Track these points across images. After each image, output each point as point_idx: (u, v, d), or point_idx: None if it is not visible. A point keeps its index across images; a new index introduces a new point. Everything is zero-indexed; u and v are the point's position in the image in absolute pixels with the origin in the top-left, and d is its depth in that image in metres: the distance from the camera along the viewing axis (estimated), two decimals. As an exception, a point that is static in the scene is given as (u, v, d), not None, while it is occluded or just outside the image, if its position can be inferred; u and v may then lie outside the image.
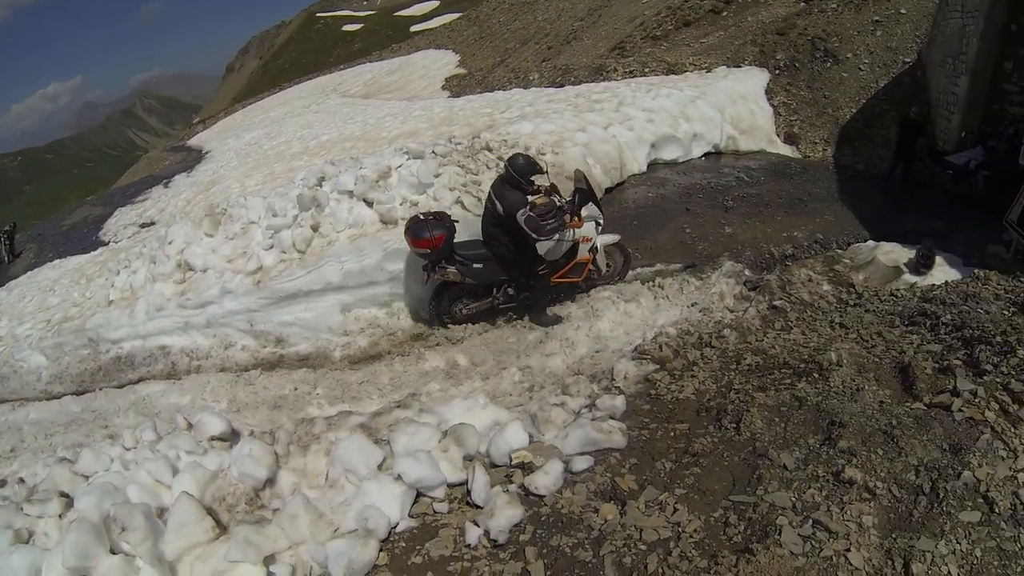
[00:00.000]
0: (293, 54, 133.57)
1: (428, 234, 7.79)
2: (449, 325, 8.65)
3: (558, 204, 8.28)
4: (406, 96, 32.39)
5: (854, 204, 11.30)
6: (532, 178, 7.88)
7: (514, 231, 7.77)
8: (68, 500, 4.84)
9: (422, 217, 8.10)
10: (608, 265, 9.13)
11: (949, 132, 12.84)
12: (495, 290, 8.55)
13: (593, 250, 8.59)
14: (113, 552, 4.08)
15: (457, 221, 8.38)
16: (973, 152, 11.50)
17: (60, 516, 4.70)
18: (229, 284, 9.11)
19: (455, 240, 8.16)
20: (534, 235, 7.62)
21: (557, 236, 8.07)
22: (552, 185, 8.64)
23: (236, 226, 9.98)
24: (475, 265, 8.19)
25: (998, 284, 6.29)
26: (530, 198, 7.96)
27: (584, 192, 8.31)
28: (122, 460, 5.55)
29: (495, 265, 8.24)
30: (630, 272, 9.32)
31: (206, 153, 36.32)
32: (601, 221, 8.67)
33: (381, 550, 4.26)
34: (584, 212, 8.29)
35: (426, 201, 9.14)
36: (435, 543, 4.24)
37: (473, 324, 8.67)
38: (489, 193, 8.07)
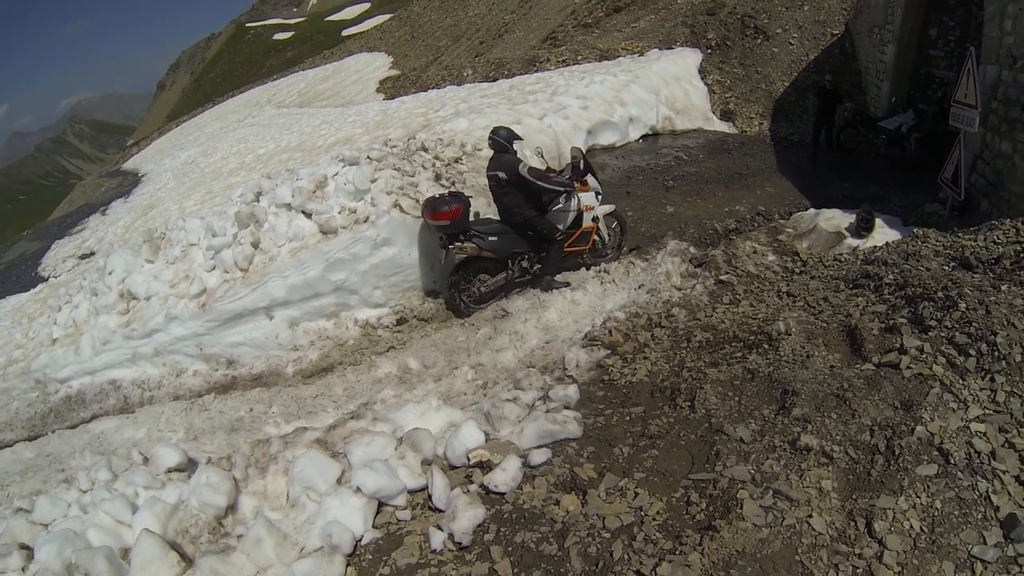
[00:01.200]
0: (225, 67, 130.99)
1: (446, 207, 8.06)
2: (470, 304, 8.80)
3: (560, 175, 8.71)
4: (341, 102, 32.11)
5: (793, 174, 11.51)
6: (514, 145, 8.45)
7: (526, 191, 8.31)
8: (29, 552, 4.63)
9: (438, 195, 8.49)
10: (609, 235, 9.37)
11: (880, 98, 13.17)
12: (510, 263, 8.76)
13: (595, 219, 8.94)
14: (80, 600, 3.93)
15: (471, 196, 8.66)
16: (904, 116, 11.81)
17: (23, 570, 4.49)
18: (174, 310, 8.84)
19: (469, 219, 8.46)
20: (539, 182, 8.11)
21: (563, 201, 8.57)
22: (549, 168, 9.14)
23: (176, 250, 9.70)
24: (491, 238, 8.42)
25: (936, 241, 6.43)
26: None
27: (584, 164, 8.74)
28: (80, 504, 5.33)
29: (511, 236, 8.57)
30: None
31: (142, 176, 35.59)
32: (600, 192, 9.07)
33: (348, 565, 4.16)
34: (587, 182, 8.73)
35: (364, 207, 9.00)
36: (401, 552, 4.15)
37: (491, 301, 8.90)
38: (487, 174, 8.56)
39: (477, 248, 8.34)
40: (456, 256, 8.44)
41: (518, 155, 8.46)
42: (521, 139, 8.64)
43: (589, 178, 8.80)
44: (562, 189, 8.41)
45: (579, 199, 8.64)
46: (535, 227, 8.51)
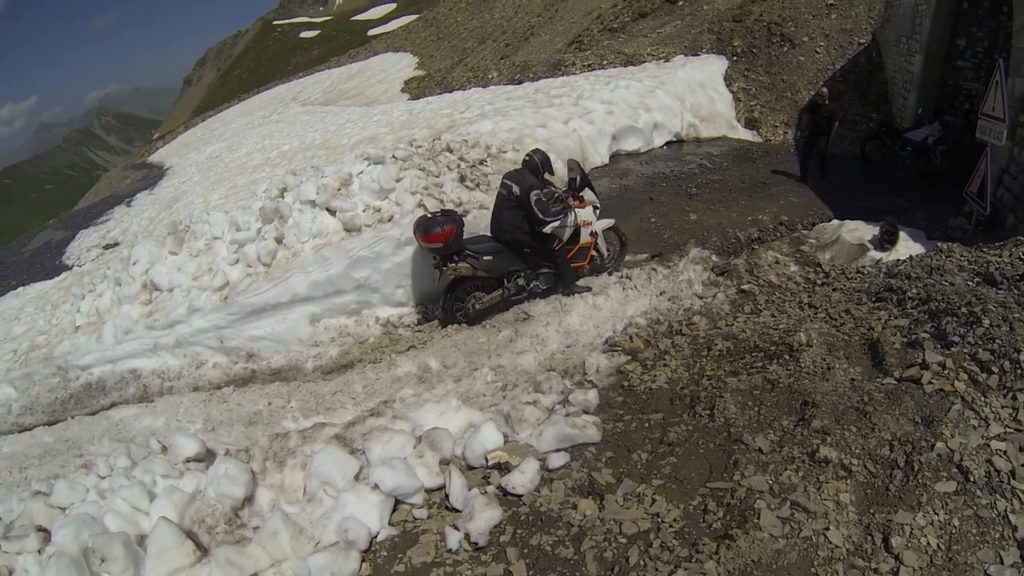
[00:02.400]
0: (251, 64, 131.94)
1: (439, 228, 8.00)
2: (464, 323, 8.76)
3: (558, 193, 8.57)
4: (366, 101, 32.23)
5: (816, 184, 11.41)
6: (544, 173, 8.46)
7: (526, 211, 8.18)
8: (46, 534, 4.69)
9: (430, 215, 8.38)
10: (608, 249, 9.31)
11: (906, 109, 13.03)
12: (505, 281, 8.70)
13: (593, 234, 8.85)
14: (95, 584, 3.97)
15: (466, 215, 8.63)
16: (930, 128, 11.68)
17: (39, 551, 4.55)
18: (196, 302, 8.96)
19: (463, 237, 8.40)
20: (540, 214, 8.02)
21: (561, 218, 8.34)
22: (546, 180, 8.96)
23: (200, 242, 9.82)
24: (485, 257, 8.38)
25: (961, 256, 6.35)
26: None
27: (581, 178, 8.64)
28: (98, 489, 5.40)
29: (506, 255, 8.48)
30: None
31: (167, 169, 35.89)
32: (598, 206, 8.93)
33: (363, 561, 4.20)
34: (584, 197, 8.64)
35: (388, 207, 9.08)
36: (416, 550, 4.18)
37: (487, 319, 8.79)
38: (503, 182, 8.44)
39: (471, 268, 8.30)
40: (449, 276, 8.43)
41: (542, 177, 8.46)
42: (553, 173, 8.65)
43: (586, 193, 8.70)
44: (558, 219, 8.31)
45: (576, 215, 8.51)
46: (532, 243, 8.43)
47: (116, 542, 4.11)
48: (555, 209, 8.18)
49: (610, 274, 9.09)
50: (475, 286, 8.65)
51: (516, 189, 8.17)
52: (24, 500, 5.57)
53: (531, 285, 8.77)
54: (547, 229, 8.40)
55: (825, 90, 12.32)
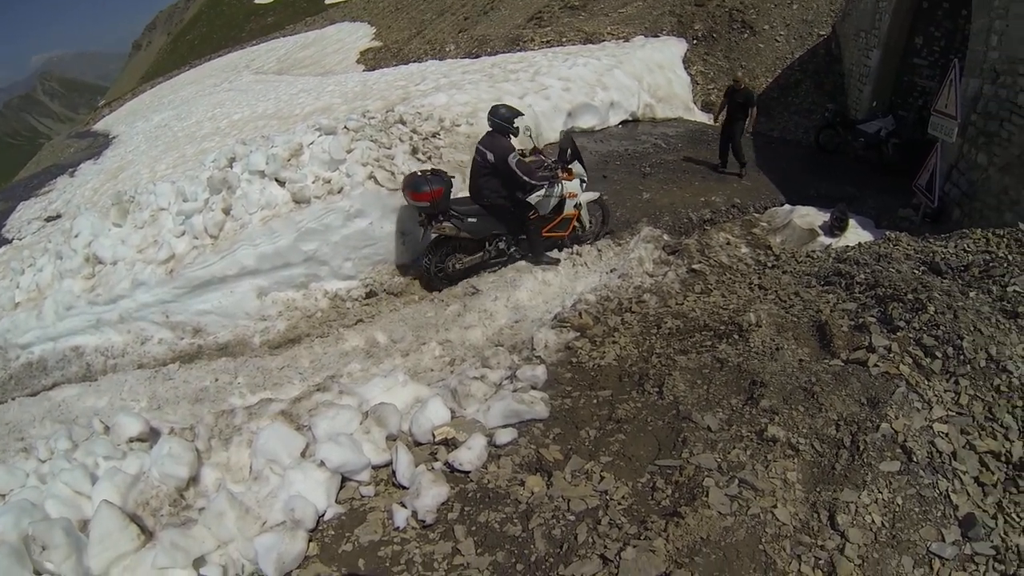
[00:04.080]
0: (203, 29, 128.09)
1: (427, 187, 8.01)
2: (443, 281, 8.78)
3: (547, 162, 8.64)
4: (321, 71, 31.55)
5: (770, 170, 11.56)
6: (515, 124, 8.35)
7: (506, 178, 8.21)
8: None
9: (420, 173, 8.38)
10: (591, 221, 9.35)
11: (861, 102, 13.28)
12: (487, 244, 8.76)
13: (578, 206, 8.90)
14: (37, 573, 3.85)
15: (454, 177, 8.53)
16: (884, 121, 11.95)
17: None
18: (141, 275, 8.67)
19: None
20: (525, 177, 8.05)
21: (547, 187, 8.45)
22: (536, 148, 9.13)
23: (145, 214, 9.50)
24: (469, 219, 8.41)
25: (908, 245, 6.50)
26: (518, 147, 8.54)
27: (572, 150, 8.70)
28: (38, 474, 5.22)
29: (489, 218, 8.51)
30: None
31: (113, 138, 34.78)
32: (585, 179, 9.00)
33: (311, 540, 4.12)
34: (573, 169, 8.66)
35: (339, 178, 8.91)
36: (364, 528, 4.12)
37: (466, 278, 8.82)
38: (477, 147, 8.43)
39: (456, 229, 8.33)
40: (432, 234, 8.45)
41: (516, 132, 8.43)
42: (523, 114, 8.53)
43: (575, 165, 8.75)
44: (545, 184, 8.40)
45: (563, 186, 8.59)
46: (504, 213, 8.50)
47: (57, 528, 3.95)
48: (540, 174, 8.26)
49: (591, 245, 9.15)
50: (456, 247, 8.67)
51: (491, 156, 8.15)
52: (-38, 488, 5.36)
53: (511, 249, 8.90)
54: (532, 198, 8.48)
55: (740, 74, 12.01)
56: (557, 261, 8.77)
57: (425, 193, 7.99)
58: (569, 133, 9.69)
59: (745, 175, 11.28)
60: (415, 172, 8.50)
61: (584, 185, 8.98)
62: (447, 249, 8.64)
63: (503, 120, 8.23)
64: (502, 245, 8.82)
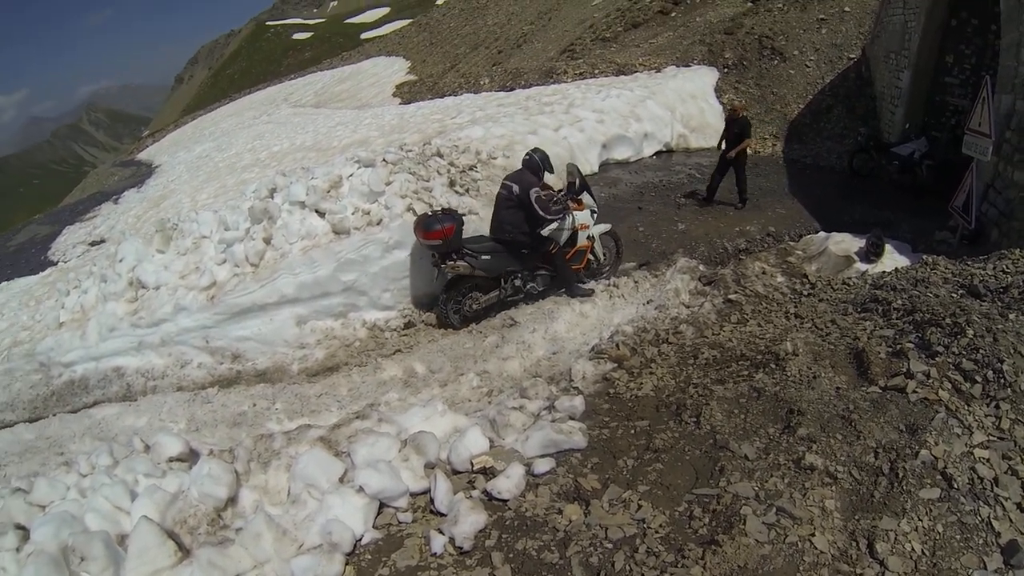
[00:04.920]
0: (243, 64, 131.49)
1: (439, 226, 8.12)
2: (460, 322, 8.83)
3: (556, 195, 8.76)
4: (357, 104, 32.20)
5: (804, 197, 11.51)
6: (544, 175, 8.64)
7: (527, 211, 8.34)
8: (25, 532, 4.60)
9: (431, 212, 8.54)
10: (605, 253, 9.41)
11: (894, 124, 13.18)
12: (503, 282, 8.80)
13: (590, 238, 8.97)
14: (74, 583, 3.91)
15: (465, 214, 8.71)
16: (917, 143, 11.83)
17: (17, 550, 4.45)
18: (182, 301, 8.89)
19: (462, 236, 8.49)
20: (541, 212, 8.20)
21: (560, 220, 8.58)
22: (544, 183, 9.11)
23: (188, 241, 9.75)
24: (483, 257, 8.48)
25: (945, 268, 6.42)
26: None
27: (580, 182, 8.82)
28: (78, 487, 5.31)
29: (504, 255, 8.58)
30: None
31: (156, 167, 35.62)
32: (596, 210, 9.10)
33: (347, 564, 4.15)
34: (583, 200, 8.82)
35: (377, 210, 9.08)
36: (401, 554, 4.14)
37: (482, 319, 8.87)
38: (503, 182, 8.63)
39: (470, 267, 8.39)
40: (448, 274, 8.50)
41: (543, 176, 8.61)
42: (553, 172, 8.81)
43: (584, 196, 8.86)
44: (559, 218, 8.50)
45: (574, 217, 8.66)
46: (530, 244, 8.56)
47: (96, 541, 4.03)
48: (555, 209, 8.38)
49: (608, 279, 9.16)
50: (473, 286, 8.71)
51: (516, 188, 8.32)
52: (3, 497, 5.47)
53: (527, 286, 8.89)
54: (545, 231, 8.52)
55: (738, 102, 11.91)
56: (592, 291, 8.77)
57: (437, 232, 8.09)
58: (575, 165, 9.68)
59: (742, 208, 11.16)
60: (426, 212, 8.63)
61: (595, 216, 9.04)
62: (464, 289, 8.69)
63: (538, 162, 8.53)
64: (518, 282, 8.83)
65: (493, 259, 8.53)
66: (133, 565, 4.03)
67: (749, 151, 11.35)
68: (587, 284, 9.03)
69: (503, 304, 8.89)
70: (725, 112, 11.09)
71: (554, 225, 8.57)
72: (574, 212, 8.63)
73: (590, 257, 9.10)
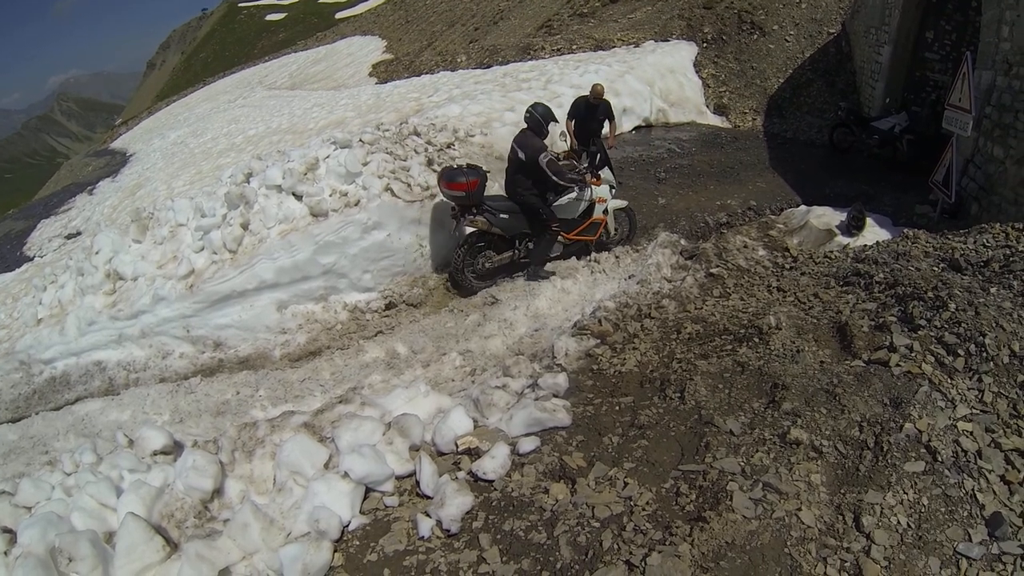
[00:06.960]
0: (216, 47, 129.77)
1: (464, 179, 8.15)
2: (474, 280, 8.88)
3: (579, 167, 8.77)
4: (333, 85, 31.84)
5: (785, 170, 11.53)
6: (549, 127, 8.51)
7: (536, 176, 8.32)
8: (11, 535, 4.52)
9: (456, 165, 8.64)
10: (616, 228, 9.44)
11: (874, 99, 13.22)
12: (517, 243, 8.87)
13: (606, 212, 9.03)
14: (64, 584, 3.87)
15: (489, 171, 8.69)
16: (897, 117, 11.87)
17: (5, 553, 4.40)
18: (161, 291, 8.76)
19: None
20: (555, 177, 8.17)
21: (577, 191, 8.70)
22: (569, 151, 9.31)
23: (164, 230, 9.61)
24: (502, 215, 8.52)
25: (927, 242, 6.45)
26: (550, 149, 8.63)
27: (601, 156, 8.92)
28: (63, 486, 5.26)
29: (521, 217, 8.70)
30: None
31: (130, 156, 35.20)
32: (615, 185, 9.17)
33: (335, 551, 4.13)
34: (601, 175, 8.84)
35: (355, 191, 8.98)
36: (388, 538, 4.13)
37: (494, 280, 9.00)
38: (512, 145, 8.53)
39: (488, 223, 8.43)
40: (466, 228, 8.51)
41: (547, 134, 8.54)
42: (557, 122, 8.73)
43: (605, 171, 8.90)
44: (575, 185, 8.52)
45: (592, 191, 8.72)
46: (533, 211, 8.55)
47: (83, 540, 3.99)
48: (570, 176, 8.35)
49: (609, 252, 9.24)
50: (487, 244, 8.78)
51: (522, 154, 8.27)
52: (-12, 501, 5.43)
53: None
54: (562, 200, 8.63)
55: (600, 86, 10.28)
56: (552, 274, 8.79)
57: (461, 183, 8.11)
58: (601, 139, 9.81)
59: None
60: (450, 164, 8.69)
61: (614, 192, 9.10)
62: (478, 246, 8.74)
63: (540, 117, 8.30)
64: (531, 246, 8.89)
65: (511, 218, 8.60)
66: (122, 563, 4.00)
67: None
68: (549, 271, 8.96)
69: (516, 265, 8.98)
70: (590, 98, 10.08)
71: (572, 195, 8.65)
72: (592, 186, 8.68)
73: (603, 230, 9.16)
